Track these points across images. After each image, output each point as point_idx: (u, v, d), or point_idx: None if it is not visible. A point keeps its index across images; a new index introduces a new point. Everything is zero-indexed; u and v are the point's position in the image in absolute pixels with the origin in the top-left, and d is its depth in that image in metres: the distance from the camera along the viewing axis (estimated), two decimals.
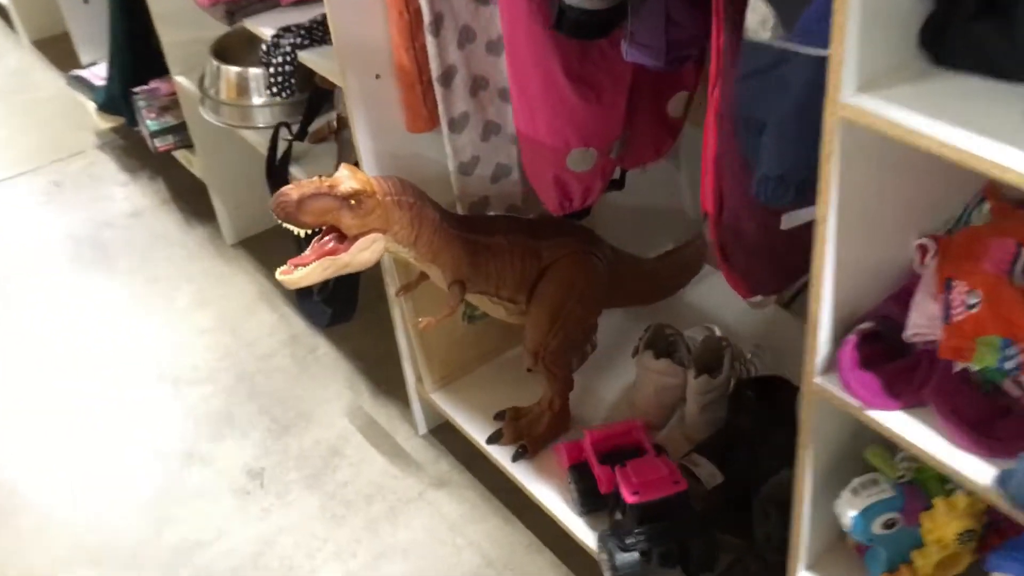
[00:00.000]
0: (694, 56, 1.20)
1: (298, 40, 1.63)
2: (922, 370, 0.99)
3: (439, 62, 1.44)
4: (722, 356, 1.64)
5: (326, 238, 1.39)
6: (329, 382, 2.05)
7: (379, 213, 1.38)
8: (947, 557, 1.12)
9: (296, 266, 1.39)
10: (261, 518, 1.78)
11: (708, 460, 1.53)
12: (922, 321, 0.98)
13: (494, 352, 1.86)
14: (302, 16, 1.70)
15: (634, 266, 1.66)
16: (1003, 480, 0.87)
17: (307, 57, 1.57)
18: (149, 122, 2.41)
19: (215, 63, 2.01)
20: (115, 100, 2.51)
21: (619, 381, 1.77)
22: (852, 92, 0.80)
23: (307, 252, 1.40)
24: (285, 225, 1.35)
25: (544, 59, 1.24)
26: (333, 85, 1.80)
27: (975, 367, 0.93)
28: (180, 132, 2.41)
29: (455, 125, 1.53)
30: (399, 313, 1.73)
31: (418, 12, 1.38)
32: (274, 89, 1.67)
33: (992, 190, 1.04)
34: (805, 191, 0.93)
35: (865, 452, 1.16)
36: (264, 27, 1.73)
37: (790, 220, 1.08)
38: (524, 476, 1.64)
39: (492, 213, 1.62)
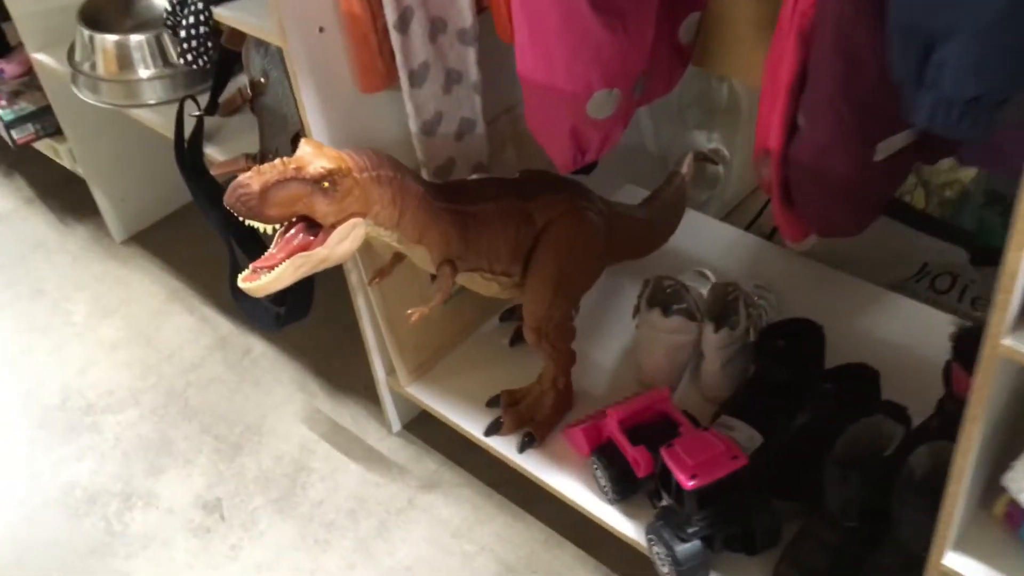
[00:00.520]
0: None
1: None
2: None
3: (395, 4, 1.22)
4: (733, 304, 1.49)
5: (292, 231, 1.16)
6: (275, 386, 1.80)
7: (357, 194, 1.15)
8: None
9: (261, 269, 1.15)
10: (231, 558, 1.54)
11: (742, 421, 1.39)
12: None
13: (469, 328, 1.65)
14: None
15: (628, 216, 1.48)
16: None
17: (226, 14, 1.29)
18: (0, 112, 2.05)
19: (87, 32, 1.69)
20: None
21: (614, 344, 1.60)
22: None
23: (272, 250, 1.16)
24: (249, 223, 1.11)
25: None
26: (241, 43, 1.53)
27: None
28: (41, 119, 2.07)
29: (416, 78, 1.31)
30: (363, 301, 1.50)
31: None
32: (189, 57, 1.39)
33: None
34: (1002, 113, 0.76)
35: None
36: None
37: (887, 147, 0.92)
38: (535, 466, 1.45)
39: (459, 178, 1.41)
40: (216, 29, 1.39)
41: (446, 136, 1.40)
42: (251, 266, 1.15)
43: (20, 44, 2.00)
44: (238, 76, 1.62)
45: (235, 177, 1.11)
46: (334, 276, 1.39)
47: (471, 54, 1.34)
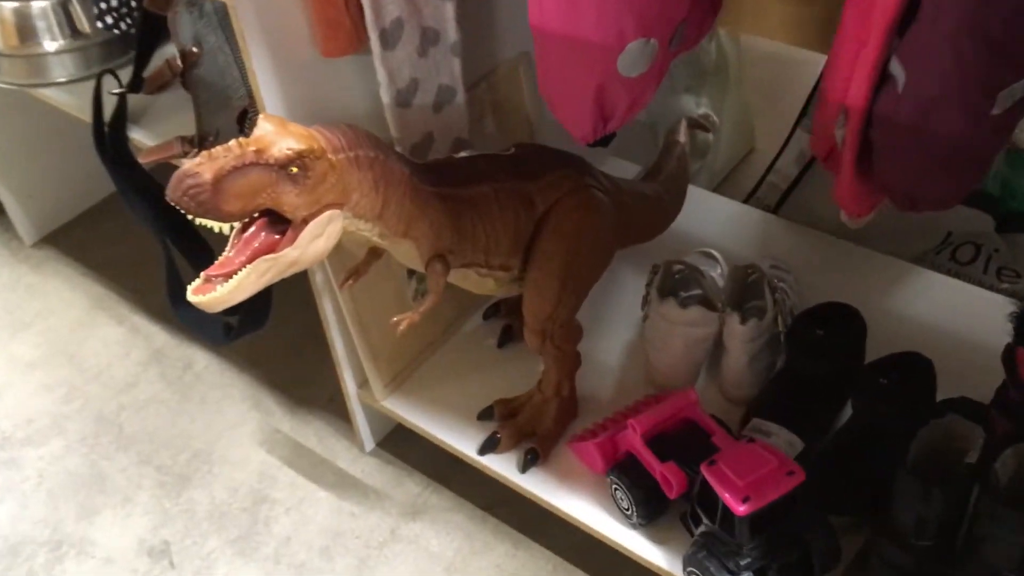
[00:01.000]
0: None
1: None
2: None
3: None
4: (753, 289, 1.31)
5: (253, 228, 0.94)
6: (224, 404, 1.57)
7: (333, 180, 0.93)
8: None
9: (216, 278, 0.93)
10: None
11: (780, 425, 1.21)
12: None
13: (449, 329, 1.44)
14: None
15: (636, 193, 1.28)
16: None
17: None
18: None
19: None
20: None
21: (617, 340, 1.41)
22: None
23: (229, 252, 0.93)
24: (200, 221, 0.88)
25: None
26: (167, 6, 1.29)
27: None
28: None
29: (388, 38, 1.10)
30: (330, 305, 1.28)
31: None
32: (109, 19, 1.16)
33: None
34: None
35: None
36: None
37: (1008, 96, 0.75)
38: (540, 487, 1.26)
39: (445, 157, 1.20)
40: None
41: (423, 108, 1.19)
42: (203, 274, 0.93)
43: None
44: (166, 46, 1.38)
45: (169, 165, 0.88)
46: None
47: (449, 9, 1.14)
